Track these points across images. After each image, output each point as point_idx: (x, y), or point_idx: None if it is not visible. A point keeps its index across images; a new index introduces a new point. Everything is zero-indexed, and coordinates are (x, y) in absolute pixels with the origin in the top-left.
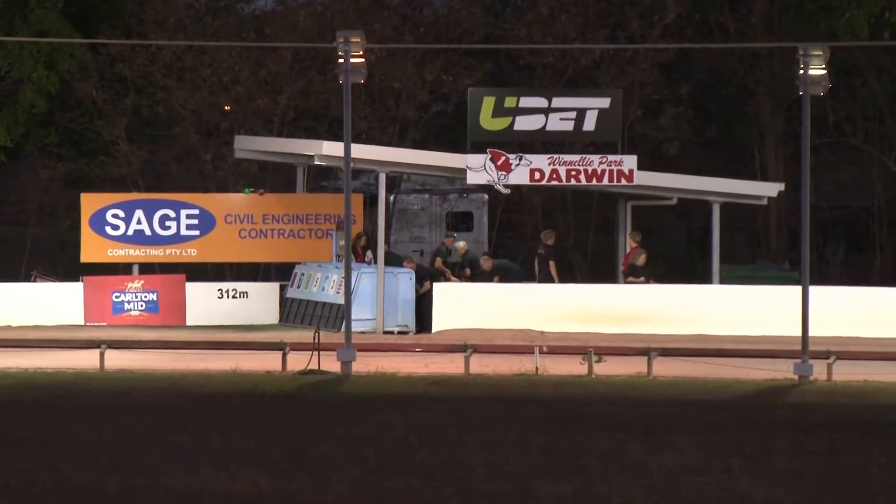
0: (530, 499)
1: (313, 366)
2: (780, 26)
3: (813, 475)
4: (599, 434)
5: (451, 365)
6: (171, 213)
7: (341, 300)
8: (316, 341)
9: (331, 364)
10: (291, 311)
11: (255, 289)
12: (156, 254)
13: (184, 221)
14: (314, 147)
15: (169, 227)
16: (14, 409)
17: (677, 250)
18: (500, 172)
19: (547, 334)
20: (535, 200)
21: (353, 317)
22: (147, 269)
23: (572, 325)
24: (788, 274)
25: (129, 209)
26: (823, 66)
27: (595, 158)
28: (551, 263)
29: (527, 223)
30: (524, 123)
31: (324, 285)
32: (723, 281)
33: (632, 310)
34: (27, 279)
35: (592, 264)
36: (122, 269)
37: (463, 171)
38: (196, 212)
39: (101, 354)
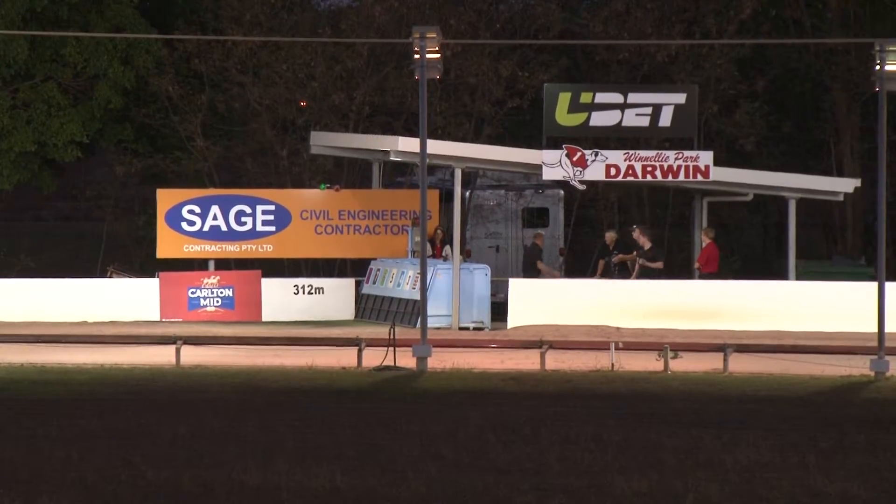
0: (606, 494)
1: (389, 362)
2: (855, 22)
3: (888, 471)
4: (675, 430)
5: (526, 361)
6: (247, 209)
7: (417, 296)
8: (391, 337)
9: (406, 360)
10: (367, 307)
11: (331, 285)
12: (232, 250)
13: (260, 217)
14: (390, 143)
15: (245, 223)
16: (90, 405)
17: (753, 246)
18: (575, 168)
19: (623, 330)
20: (610, 196)
21: (428, 313)
22: (223, 265)
23: (648, 321)
24: (864, 270)
25: (205, 205)
26: None
27: (671, 154)
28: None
29: (602, 219)
30: (600, 119)
31: (399, 281)
32: (798, 277)
33: (707, 306)
34: (103, 275)
35: (668, 260)
36: (197, 264)
37: (539, 167)
38: (272, 208)
39: (177, 350)
